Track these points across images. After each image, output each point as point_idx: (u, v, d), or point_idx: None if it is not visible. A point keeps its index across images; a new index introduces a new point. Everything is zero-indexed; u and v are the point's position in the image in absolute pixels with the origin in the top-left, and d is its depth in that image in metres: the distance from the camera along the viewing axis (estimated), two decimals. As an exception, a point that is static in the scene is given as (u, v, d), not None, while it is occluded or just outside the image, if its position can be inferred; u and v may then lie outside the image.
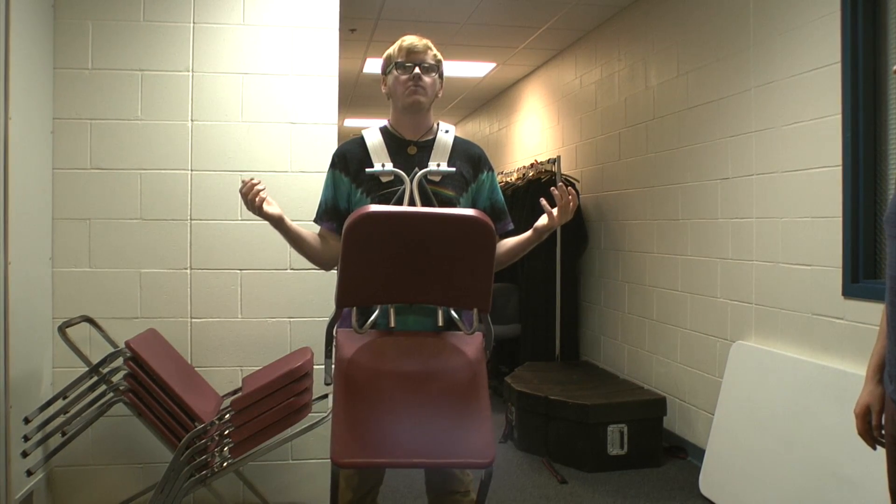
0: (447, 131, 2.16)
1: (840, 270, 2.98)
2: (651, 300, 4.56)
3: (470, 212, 1.77)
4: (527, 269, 5.59)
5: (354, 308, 1.90)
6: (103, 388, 2.76)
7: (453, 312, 1.99)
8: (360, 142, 2.15)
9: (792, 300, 3.28)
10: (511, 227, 2.25)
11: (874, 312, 2.75)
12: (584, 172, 5.63)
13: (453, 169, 2.10)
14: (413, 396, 1.81)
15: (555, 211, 2.03)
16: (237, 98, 3.26)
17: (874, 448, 1.85)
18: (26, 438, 2.71)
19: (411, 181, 2.05)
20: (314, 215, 2.22)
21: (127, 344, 2.69)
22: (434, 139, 2.14)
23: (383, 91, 2.18)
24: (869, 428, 1.83)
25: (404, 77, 2.08)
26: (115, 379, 2.75)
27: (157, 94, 3.22)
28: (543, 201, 2.05)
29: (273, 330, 3.28)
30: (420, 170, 2.06)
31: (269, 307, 3.28)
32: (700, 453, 3.78)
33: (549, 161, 5.60)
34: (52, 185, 3.16)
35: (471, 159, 2.17)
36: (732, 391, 3.55)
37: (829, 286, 3.04)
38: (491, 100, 8.46)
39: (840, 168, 2.96)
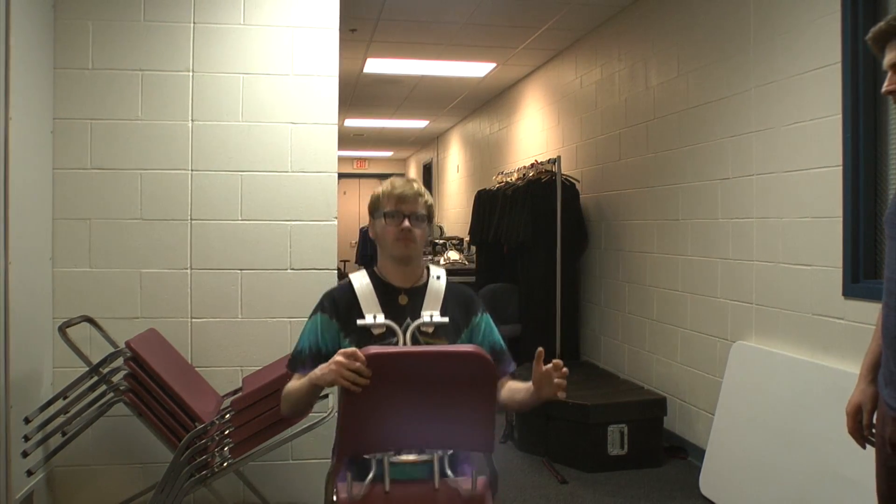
0: (438, 277, 2.08)
1: (840, 270, 2.98)
2: (651, 300, 4.56)
3: (468, 348, 1.76)
4: (527, 269, 5.60)
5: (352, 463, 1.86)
6: (103, 388, 2.76)
7: (447, 468, 1.89)
8: (349, 287, 2.04)
9: (792, 300, 3.28)
10: (513, 367, 2.08)
11: (874, 312, 2.75)
12: (584, 172, 5.63)
13: (446, 319, 2.00)
14: None
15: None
16: (237, 98, 3.26)
17: (864, 447, 1.86)
18: (26, 438, 2.71)
19: (404, 333, 1.97)
20: (293, 359, 2.02)
21: (127, 344, 2.69)
22: (425, 285, 2.06)
23: (370, 235, 2.10)
24: (859, 427, 1.84)
25: (393, 228, 2.00)
26: (116, 379, 2.75)
27: (157, 94, 3.22)
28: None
29: (273, 330, 3.28)
30: (413, 321, 1.98)
31: (269, 307, 3.28)
32: (700, 453, 3.78)
33: (549, 161, 5.59)
34: (52, 185, 3.16)
35: (462, 304, 2.08)
36: (732, 391, 3.55)
37: (829, 286, 3.04)
38: (491, 100, 8.46)
39: (840, 168, 2.96)
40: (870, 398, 1.81)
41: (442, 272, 2.10)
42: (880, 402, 1.75)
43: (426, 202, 2.04)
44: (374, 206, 2.06)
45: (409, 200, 2.00)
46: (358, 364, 1.70)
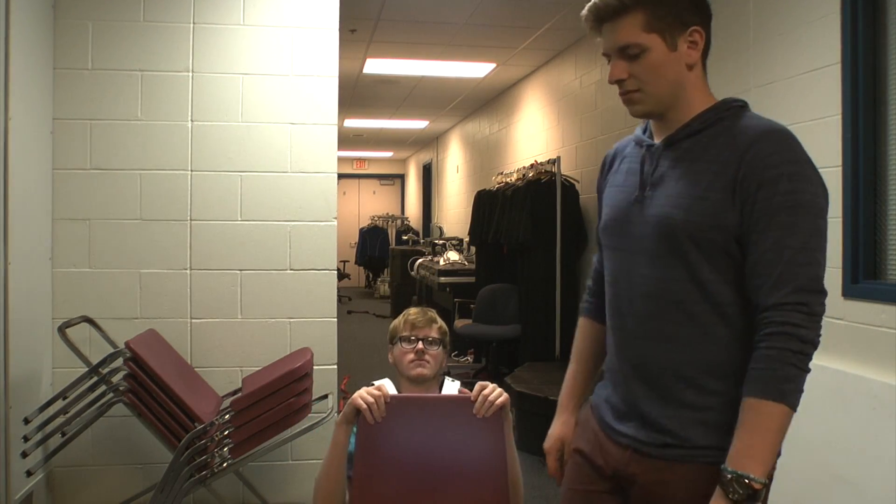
0: (453, 380, 2.17)
1: (840, 271, 2.97)
2: (651, 300, 4.55)
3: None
4: (527, 269, 5.60)
5: None
6: (103, 388, 2.75)
7: None
8: None
9: (792, 300, 3.27)
10: None
11: (874, 313, 2.75)
12: (583, 173, 5.63)
13: None
14: None
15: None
16: (237, 98, 3.26)
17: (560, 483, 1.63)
18: (26, 439, 2.71)
19: None
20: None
21: (127, 344, 2.69)
22: (440, 389, 2.14)
23: (390, 361, 2.17)
24: (562, 465, 1.63)
25: (408, 349, 2.07)
26: (115, 379, 2.75)
27: (157, 94, 3.22)
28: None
29: (273, 330, 3.28)
30: None
31: (269, 307, 3.28)
32: (700, 454, 3.77)
33: (549, 161, 5.60)
34: (52, 185, 3.16)
35: None
36: (732, 391, 3.54)
37: (828, 287, 3.01)
38: (491, 100, 8.46)
39: (840, 168, 2.96)
40: (572, 430, 1.62)
41: (457, 382, 2.17)
42: (592, 428, 1.53)
43: (440, 327, 2.12)
44: (392, 335, 2.14)
45: (422, 326, 2.09)
46: (378, 392, 1.82)
